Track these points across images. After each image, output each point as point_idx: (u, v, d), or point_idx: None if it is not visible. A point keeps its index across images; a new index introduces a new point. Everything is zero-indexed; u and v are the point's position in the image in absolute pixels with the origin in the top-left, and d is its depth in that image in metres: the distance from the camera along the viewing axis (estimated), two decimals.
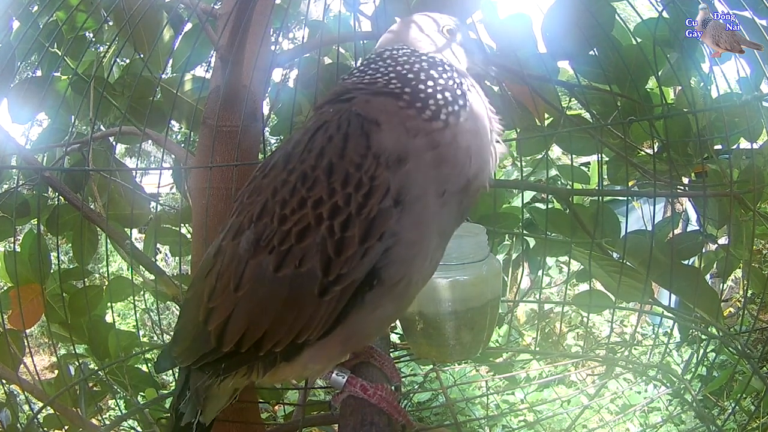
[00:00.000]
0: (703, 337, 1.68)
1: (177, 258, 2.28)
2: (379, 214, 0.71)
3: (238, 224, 0.78)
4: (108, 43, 2.14)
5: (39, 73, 2.07)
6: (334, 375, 0.84)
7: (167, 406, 1.93)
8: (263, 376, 0.84)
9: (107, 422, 1.77)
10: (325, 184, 0.72)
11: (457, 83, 0.79)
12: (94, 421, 1.87)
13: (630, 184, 1.86)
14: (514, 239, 2.31)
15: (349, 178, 0.71)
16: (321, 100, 0.86)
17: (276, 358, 0.80)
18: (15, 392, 1.93)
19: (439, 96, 0.77)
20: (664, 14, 1.49)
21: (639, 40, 1.61)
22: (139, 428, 1.95)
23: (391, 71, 0.80)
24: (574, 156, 1.86)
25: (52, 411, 1.69)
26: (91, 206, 1.97)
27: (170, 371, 1.08)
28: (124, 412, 1.77)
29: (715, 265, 2.00)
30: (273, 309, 0.75)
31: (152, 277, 1.92)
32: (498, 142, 0.82)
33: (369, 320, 0.78)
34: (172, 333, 0.96)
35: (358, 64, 0.87)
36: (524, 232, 2.06)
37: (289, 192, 0.74)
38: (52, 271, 2.01)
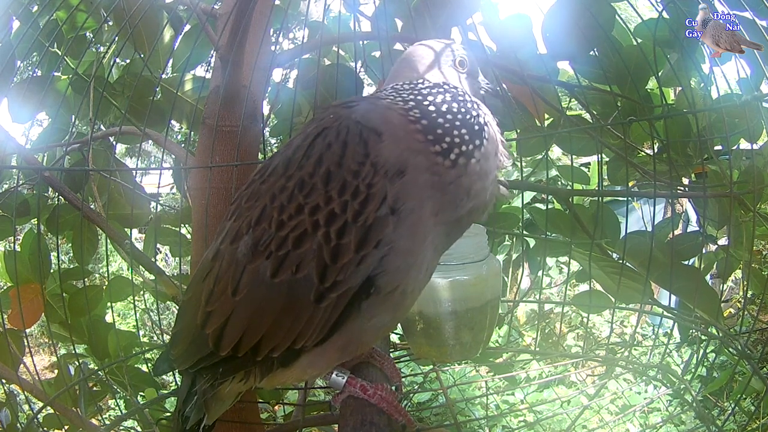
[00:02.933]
0: (703, 337, 1.68)
1: (177, 258, 2.28)
2: (376, 221, 0.71)
3: (236, 228, 0.78)
4: (108, 43, 2.14)
5: (39, 72, 2.07)
6: (333, 375, 0.84)
7: (167, 406, 1.93)
8: (261, 381, 0.84)
9: (107, 422, 1.77)
10: (323, 192, 0.72)
11: (474, 117, 0.78)
12: (94, 421, 1.87)
13: (630, 184, 1.86)
14: (514, 239, 2.31)
15: (346, 185, 0.72)
16: (328, 105, 0.86)
17: (273, 363, 0.81)
18: (15, 392, 1.93)
19: (455, 132, 0.76)
20: (664, 14, 1.49)
21: (639, 40, 1.61)
22: (139, 428, 1.95)
23: (411, 99, 0.79)
24: (574, 156, 1.85)
25: (52, 411, 1.70)
26: (91, 206, 1.97)
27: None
28: (124, 412, 1.77)
29: (715, 266, 2.00)
30: (270, 314, 0.75)
31: (152, 277, 1.92)
32: (500, 181, 0.81)
33: (366, 328, 0.78)
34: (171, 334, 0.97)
35: (376, 90, 0.86)
36: (524, 232, 2.06)
37: (287, 198, 0.74)
38: (52, 270, 2.01)
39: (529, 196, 2.52)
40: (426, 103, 0.78)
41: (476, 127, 0.77)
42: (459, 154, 0.75)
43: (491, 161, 0.78)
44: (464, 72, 0.88)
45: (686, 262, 1.72)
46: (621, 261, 1.57)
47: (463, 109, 0.78)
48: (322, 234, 0.72)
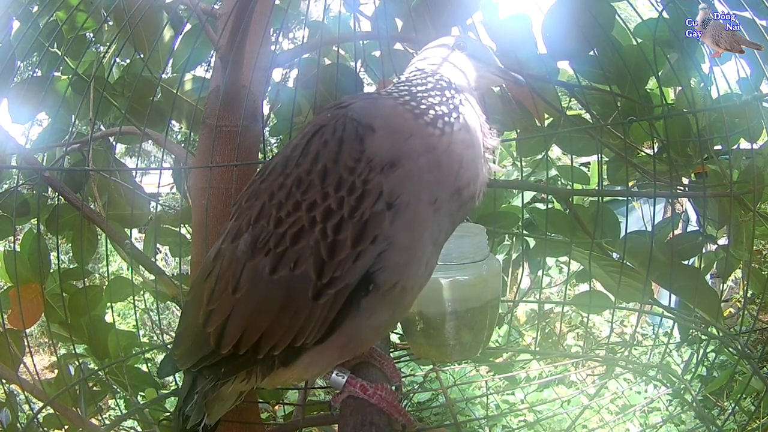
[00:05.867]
0: (703, 337, 1.68)
1: (177, 258, 2.28)
2: (372, 217, 0.72)
3: (236, 227, 0.79)
4: (108, 43, 2.14)
5: (39, 72, 2.07)
6: (333, 375, 0.84)
7: (167, 405, 1.93)
8: (262, 381, 0.84)
9: (107, 422, 1.77)
10: (319, 188, 0.73)
11: (450, 99, 0.81)
12: (94, 421, 1.87)
13: (630, 184, 1.86)
14: (514, 239, 2.31)
15: (342, 181, 0.72)
16: (326, 106, 0.87)
17: (274, 362, 0.81)
18: (15, 392, 1.93)
19: (436, 107, 0.79)
20: (664, 14, 1.49)
21: (639, 40, 1.61)
22: (139, 428, 1.95)
23: (404, 89, 0.83)
24: (574, 156, 1.85)
25: (52, 411, 1.69)
26: (91, 206, 1.97)
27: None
28: (124, 412, 1.77)
29: (715, 266, 1.99)
30: (269, 311, 0.76)
31: (152, 277, 1.92)
32: (488, 160, 0.83)
33: (365, 326, 0.78)
34: (172, 333, 0.97)
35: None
36: (524, 232, 2.06)
37: (285, 195, 0.75)
38: (52, 270, 2.00)
39: (529, 195, 2.52)
40: (414, 90, 0.82)
41: (451, 106, 0.80)
42: (444, 123, 0.78)
43: (474, 135, 0.80)
44: (465, 53, 0.89)
45: (686, 262, 1.72)
46: (621, 260, 1.57)
47: (439, 92, 0.82)
48: (319, 230, 0.72)
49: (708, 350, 2.04)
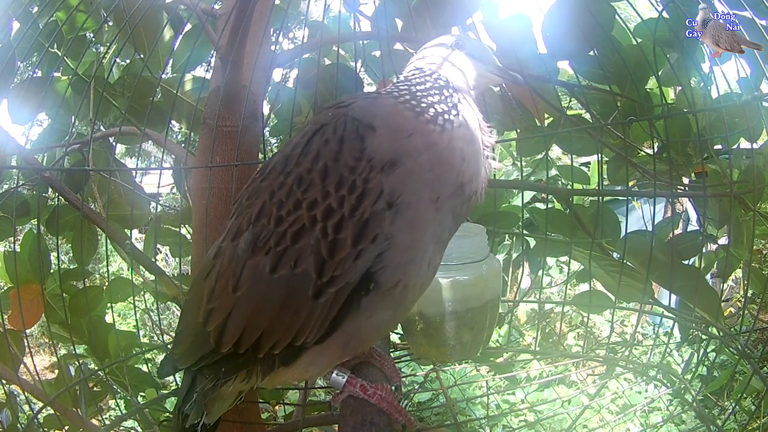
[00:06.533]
0: (704, 337, 1.68)
1: (177, 258, 2.28)
2: (372, 216, 0.72)
3: (237, 226, 0.79)
4: (108, 44, 2.14)
5: (39, 73, 2.07)
6: (334, 375, 0.84)
7: (167, 405, 1.93)
8: (263, 380, 0.84)
9: (107, 422, 1.77)
10: (320, 187, 0.73)
11: (448, 97, 0.82)
12: (94, 421, 1.87)
13: (630, 184, 1.86)
14: (514, 239, 2.31)
15: (342, 180, 0.73)
16: (326, 104, 0.87)
17: (274, 362, 0.81)
18: (15, 392, 1.93)
19: (437, 105, 0.80)
20: (664, 14, 1.49)
21: (639, 40, 1.61)
22: (139, 428, 1.95)
23: (404, 89, 0.83)
24: (574, 156, 1.85)
25: (52, 411, 1.69)
26: (91, 206, 1.97)
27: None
28: (124, 412, 1.77)
29: (715, 265, 1.99)
30: (270, 310, 0.76)
31: (152, 277, 1.92)
32: (488, 156, 0.84)
33: (366, 325, 0.78)
34: (172, 333, 0.97)
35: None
36: (524, 232, 2.06)
37: (285, 194, 0.75)
38: (52, 271, 2.01)
39: (529, 195, 2.52)
40: (413, 89, 0.82)
41: (450, 104, 0.81)
42: (445, 120, 0.78)
43: (473, 131, 0.81)
44: (464, 52, 0.90)
45: (686, 262, 1.72)
46: (621, 261, 1.57)
47: (438, 90, 0.82)
48: (319, 229, 0.72)
49: (708, 350, 2.04)
